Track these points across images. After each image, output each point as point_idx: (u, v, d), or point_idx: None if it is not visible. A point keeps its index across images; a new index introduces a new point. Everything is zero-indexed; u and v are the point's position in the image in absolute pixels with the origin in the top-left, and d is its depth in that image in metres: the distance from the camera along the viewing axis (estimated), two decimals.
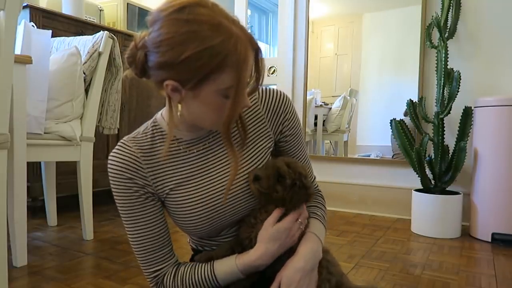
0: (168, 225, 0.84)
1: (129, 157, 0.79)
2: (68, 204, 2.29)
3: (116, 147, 0.81)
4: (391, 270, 1.47)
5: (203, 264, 0.81)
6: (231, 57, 0.67)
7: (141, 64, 0.72)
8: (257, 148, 0.85)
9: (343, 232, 2.02)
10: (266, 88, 0.88)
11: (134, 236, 0.81)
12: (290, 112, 0.89)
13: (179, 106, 0.75)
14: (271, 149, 0.88)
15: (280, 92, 0.89)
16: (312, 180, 0.95)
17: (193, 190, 0.81)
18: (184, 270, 0.82)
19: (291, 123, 0.89)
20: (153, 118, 0.86)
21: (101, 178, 2.44)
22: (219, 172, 0.82)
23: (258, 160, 0.84)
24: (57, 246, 1.69)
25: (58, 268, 1.44)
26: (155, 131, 0.82)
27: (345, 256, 1.62)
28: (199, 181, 0.81)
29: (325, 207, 0.94)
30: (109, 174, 0.79)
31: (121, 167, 0.78)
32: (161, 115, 0.85)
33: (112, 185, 0.80)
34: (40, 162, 2.04)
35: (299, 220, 0.80)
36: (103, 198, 2.72)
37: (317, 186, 0.97)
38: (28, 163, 1.47)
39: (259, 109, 0.86)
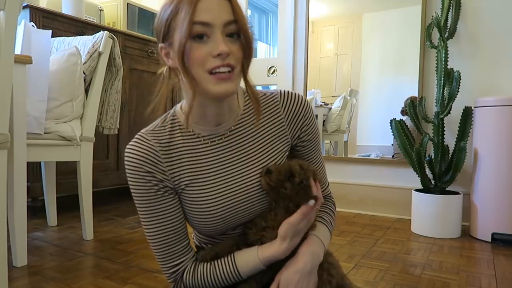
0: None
1: (148, 150, 0.79)
2: (68, 204, 2.30)
3: (134, 139, 0.81)
4: (391, 270, 1.47)
5: (223, 260, 0.81)
6: None
7: None
8: (274, 151, 0.85)
9: (343, 232, 2.02)
10: (287, 91, 0.87)
11: (152, 231, 0.81)
12: (310, 117, 0.88)
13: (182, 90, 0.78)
14: (287, 153, 0.88)
15: (301, 96, 0.88)
16: (326, 186, 0.95)
17: (208, 187, 0.81)
18: (203, 266, 0.82)
19: (310, 128, 0.88)
20: (172, 110, 0.85)
21: (101, 178, 2.44)
22: (234, 170, 0.82)
23: (274, 163, 0.84)
24: (57, 246, 1.69)
25: (58, 268, 1.44)
26: (174, 124, 0.82)
27: (345, 256, 1.62)
28: (215, 178, 0.81)
29: (334, 214, 0.94)
30: (127, 167, 0.79)
31: (140, 160, 0.78)
32: (180, 107, 0.84)
33: (129, 179, 0.79)
34: (40, 162, 2.04)
35: (316, 207, 0.80)
36: (103, 198, 2.72)
37: (330, 192, 0.97)
38: (28, 163, 1.47)
39: (279, 111, 0.86)
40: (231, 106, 0.82)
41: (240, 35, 0.73)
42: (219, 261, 0.81)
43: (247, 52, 0.74)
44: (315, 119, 0.90)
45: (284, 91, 0.87)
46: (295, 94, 0.87)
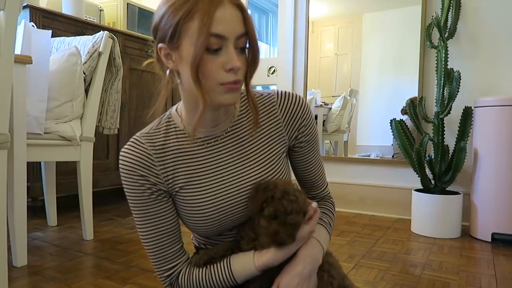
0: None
1: (141, 154, 0.79)
2: (68, 204, 2.29)
3: (129, 143, 0.81)
4: (391, 270, 1.47)
5: (219, 264, 0.80)
6: (201, 3, 0.67)
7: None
8: (270, 152, 0.85)
9: (343, 232, 2.02)
10: (285, 92, 0.87)
11: (146, 233, 0.81)
12: (308, 118, 0.87)
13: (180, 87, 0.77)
14: (284, 154, 0.87)
15: (299, 96, 0.87)
16: (325, 187, 0.95)
17: (203, 188, 0.80)
18: (199, 270, 0.81)
19: (308, 129, 0.87)
20: (167, 113, 0.85)
21: (101, 178, 2.44)
22: (230, 172, 0.82)
23: (270, 164, 0.84)
24: (57, 246, 1.69)
25: (58, 268, 1.44)
26: (169, 127, 0.82)
27: (345, 256, 1.62)
28: (210, 180, 0.81)
29: (333, 215, 0.94)
30: (121, 170, 0.79)
31: (133, 164, 0.78)
32: (176, 110, 0.84)
33: (124, 182, 0.79)
34: (40, 162, 2.04)
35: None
36: (103, 198, 2.72)
37: (329, 193, 0.96)
38: (28, 163, 1.47)
39: (276, 112, 0.85)
40: (227, 108, 0.82)
41: (248, 46, 0.73)
42: (215, 265, 0.81)
43: (254, 63, 0.75)
44: (313, 119, 0.89)
45: (281, 91, 0.87)
46: (293, 94, 0.87)
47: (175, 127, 0.82)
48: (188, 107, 0.79)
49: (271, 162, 0.84)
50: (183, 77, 0.74)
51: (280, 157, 0.86)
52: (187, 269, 0.82)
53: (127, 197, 0.80)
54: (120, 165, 0.79)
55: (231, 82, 0.71)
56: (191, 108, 0.79)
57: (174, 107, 0.85)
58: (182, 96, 0.79)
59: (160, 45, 0.74)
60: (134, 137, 0.81)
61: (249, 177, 0.82)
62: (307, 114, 0.87)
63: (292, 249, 0.78)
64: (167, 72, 0.78)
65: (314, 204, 0.80)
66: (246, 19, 0.71)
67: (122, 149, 0.80)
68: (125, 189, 0.80)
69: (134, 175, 0.78)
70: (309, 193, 0.95)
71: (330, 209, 0.94)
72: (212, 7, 0.67)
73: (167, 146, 0.80)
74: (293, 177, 0.92)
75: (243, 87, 0.77)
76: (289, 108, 0.85)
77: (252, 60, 0.75)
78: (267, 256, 0.77)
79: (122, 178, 0.79)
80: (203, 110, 0.72)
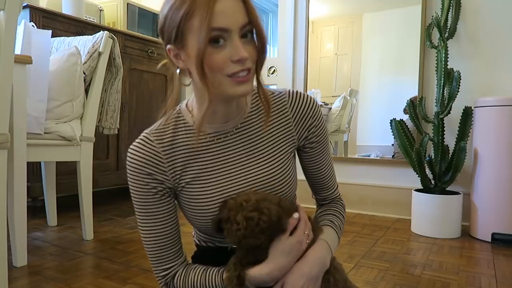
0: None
1: (150, 152, 0.78)
2: (68, 204, 2.29)
3: (138, 140, 0.80)
4: (391, 270, 1.47)
5: (214, 273, 0.79)
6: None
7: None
8: (278, 151, 0.84)
9: (343, 232, 2.01)
10: (296, 91, 0.86)
11: (147, 232, 0.81)
12: (318, 119, 0.86)
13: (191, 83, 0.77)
14: (292, 154, 0.87)
15: (310, 97, 0.87)
16: (335, 188, 0.95)
17: (209, 184, 0.80)
18: (194, 273, 0.81)
19: (318, 130, 0.87)
20: (177, 108, 0.84)
21: (101, 178, 2.44)
22: (237, 169, 0.82)
23: (278, 163, 0.84)
24: (57, 246, 1.69)
25: (58, 268, 1.44)
26: (178, 122, 0.82)
27: (345, 256, 1.62)
28: (216, 175, 0.81)
29: (344, 217, 0.93)
30: (128, 167, 0.79)
31: (141, 161, 0.78)
32: (186, 105, 0.84)
33: (129, 179, 0.79)
34: (40, 162, 2.04)
35: (306, 232, 0.79)
36: (103, 198, 2.72)
37: (340, 195, 0.96)
38: (28, 163, 1.47)
39: (287, 111, 0.85)
40: (239, 103, 0.81)
41: (254, 33, 0.72)
42: (210, 271, 0.80)
43: (262, 52, 0.74)
44: (324, 120, 0.88)
45: (293, 90, 0.86)
46: (304, 94, 0.86)
47: (184, 123, 0.82)
48: (201, 104, 0.79)
49: (279, 161, 0.84)
50: (193, 75, 0.74)
51: (288, 157, 0.86)
52: (183, 271, 0.82)
53: (131, 194, 0.81)
54: (127, 162, 0.79)
55: (239, 71, 0.70)
56: (203, 105, 0.78)
57: (184, 102, 0.85)
58: (195, 93, 0.79)
59: (168, 46, 0.73)
60: (143, 134, 0.81)
61: (256, 175, 0.82)
62: (318, 114, 0.86)
63: (288, 264, 0.76)
64: (178, 71, 0.77)
65: (296, 215, 0.78)
66: (248, 8, 0.70)
67: (131, 146, 0.80)
68: (130, 186, 0.80)
69: (140, 172, 0.78)
70: (319, 194, 0.95)
71: (341, 212, 0.93)
72: (211, 1, 0.67)
73: (176, 142, 0.80)
74: (302, 178, 0.92)
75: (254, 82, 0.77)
76: (300, 108, 0.85)
77: (260, 48, 0.74)
78: (258, 268, 0.75)
79: (128, 174, 0.79)
80: (209, 105, 0.71)
